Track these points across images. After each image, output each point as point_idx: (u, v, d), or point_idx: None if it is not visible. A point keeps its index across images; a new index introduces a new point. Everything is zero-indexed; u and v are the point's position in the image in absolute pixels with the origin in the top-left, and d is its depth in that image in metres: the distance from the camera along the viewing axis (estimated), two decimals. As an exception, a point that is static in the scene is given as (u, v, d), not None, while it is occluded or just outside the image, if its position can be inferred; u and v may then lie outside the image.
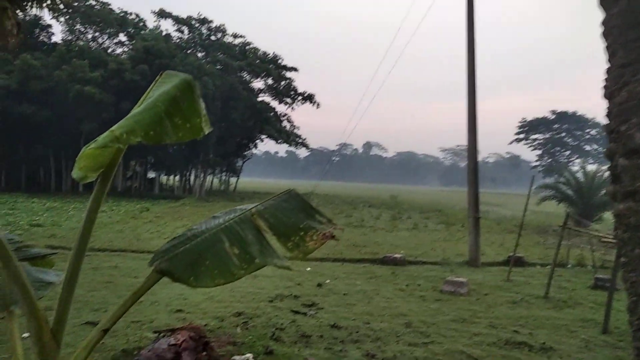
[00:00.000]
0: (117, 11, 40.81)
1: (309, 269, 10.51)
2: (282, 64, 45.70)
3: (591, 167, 28.76)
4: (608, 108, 4.90)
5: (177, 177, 48.89)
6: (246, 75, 44.96)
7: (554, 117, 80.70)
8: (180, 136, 1.63)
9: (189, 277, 1.73)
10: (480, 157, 13.42)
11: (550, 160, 78.20)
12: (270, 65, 44.67)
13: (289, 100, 47.69)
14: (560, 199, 26.55)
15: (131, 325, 5.82)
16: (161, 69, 2.01)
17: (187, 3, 77.66)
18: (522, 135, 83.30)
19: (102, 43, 41.72)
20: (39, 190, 34.92)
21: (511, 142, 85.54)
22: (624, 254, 3.53)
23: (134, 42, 38.97)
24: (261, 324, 6.16)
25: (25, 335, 2.18)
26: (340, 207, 32.27)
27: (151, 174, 46.43)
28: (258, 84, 46.95)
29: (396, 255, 12.05)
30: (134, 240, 13.96)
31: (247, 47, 45.12)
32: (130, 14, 42.48)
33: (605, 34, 5.04)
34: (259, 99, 46.41)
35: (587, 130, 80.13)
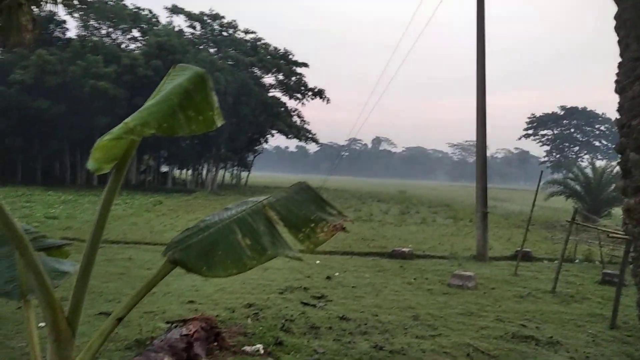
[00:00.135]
0: (131, 7, 41.02)
1: (318, 262, 10.58)
2: (293, 59, 45.72)
3: (600, 163, 28.52)
4: (619, 102, 4.90)
5: (190, 171, 49.22)
6: (257, 71, 45.06)
7: (563, 112, 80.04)
8: (193, 129, 1.69)
9: (202, 267, 1.78)
10: (489, 153, 13.46)
11: (559, 155, 77.61)
12: (281, 61, 44.73)
13: (299, 95, 47.78)
14: (569, 195, 26.37)
15: (144, 315, 5.94)
16: (174, 65, 2.07)
17: (199, -1, 77.72)
18: (531, 131, 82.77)
19: (115, 39, 41.97)
20: (54, 184, 35.34)
21: (520, 138, 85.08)
22: (634, 248, 3.53)
23: (147, 37, 39.19)
24: (271, 315, 6.24)
25: (42, 324, 2.27)
26: (350, 202, 32.31)
27: (164, 168, 46.78)
28: (269, 79, 47.11)
29: (404, 249, 12.09)
30: (147, 233, 14.13)
31: (258, 43, 45.16)
32: (143, 9, 42.68)
33: (618, 28, 5.02)
34: (270, 94, 46.51)
35: (597, 126, 79.38)
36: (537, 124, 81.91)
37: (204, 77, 1.77)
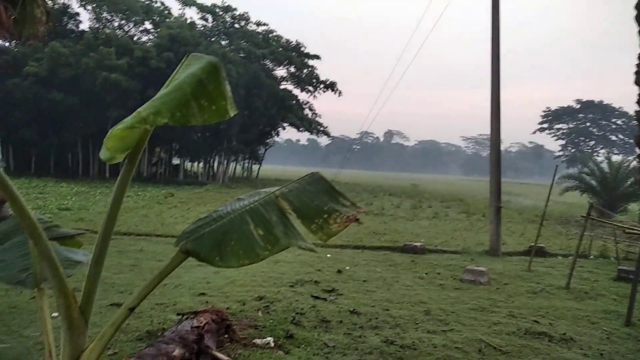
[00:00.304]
0: (143, -1, 41.18)
1: (329, 255, 10.57)
2: (305, 52, 45.59)
3: (616, 158, 28.19)
4: (639, 95, 4.80)
5: (201, 164, 49.42)
6: (269, 64, 44.98)
7: (579, 106, 79.14)
8: (206, 118, 1.66)
9: (214, 257, 1.77)
10: (503, 147, 13.29)
11: (574, 150, 76.82)
12: (293, 53, 44.62)
13: (311, 88, 47.65)
14: (584, 190, 26.09)
15: (155, 307, 5.96)
16: (187, 54, 2.04)
17: (211, -10, 77.67)
18: (545, 125, 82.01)
19: (128, 31, 42.13)
20: (67, 175, 35.69)
21: (534, 132, 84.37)
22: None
23: (159, 30, 39.29)
24: (282, 309, 6.24)
25: (55, 314, 2.28)
26: (361, 195, 32.25)
27: (176, 161, 46.99)
28: (281, 72, 47.04)
29: (416, 244, 12.03)
30: (158, 225, 14.21)
31: (270, 35, 45.06)
32: (156, 2, 42.77)
33: (638, 18, 4.91)
34: (281, 87, 46.45)
35: (613, 120, 78.39)
36: (552, 117, 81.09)
37: (217, 66, 1.74)
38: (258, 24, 45.06)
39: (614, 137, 78.56)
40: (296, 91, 48.24)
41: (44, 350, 2.06)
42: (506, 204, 20.23)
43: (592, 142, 78.74)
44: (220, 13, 43.68)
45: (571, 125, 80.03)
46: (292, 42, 45.32)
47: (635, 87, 4.81)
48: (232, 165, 48.87)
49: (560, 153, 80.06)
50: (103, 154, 1.70)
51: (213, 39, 42.40)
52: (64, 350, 1.85)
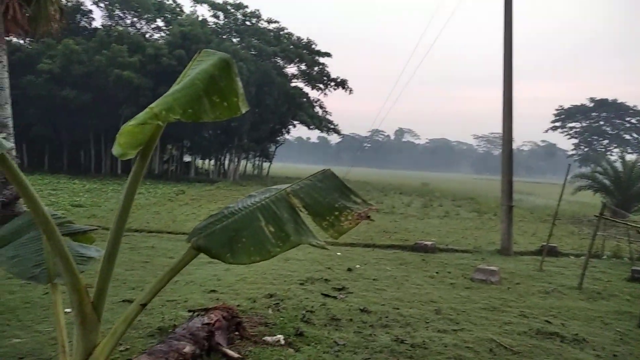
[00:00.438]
0: (155, -3, 41.38)
1: (339, 253, 10.56)
2: (316, 49, 45.51)
3: (630, 157, 27.85)
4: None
5: (212, 161, 49.60)
6: (280, 61, 44.97)
7: (592, 104, 78.28)
8: (217, 114, 1.66)
9: (226, 253, 1.77)
10: (514, 145, 13.16)
11: (587, 149, 76.03)
12: (304, 51, 44.55)
13: (321, 86, 47.53)
14: (597, 189, 25.79)
15: (167, 304, 5.99)
16: (199, 50, 2.04)
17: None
18: (558, 123, 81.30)
19: (140, 28, 42.41)
20: (79, 172, 36.01)
21: (547, 130, 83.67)
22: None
23: (170, 27, 39.46)
24: (292, 306, 6.24)
25: (67, 310, 2.29)
26: (372, 194, 32.18)
27: (187, 158, 47.23)
28: (291, 69, 46.98)
29: (427, 243, 11.98)
30: (170, 222, 14.29)
31: (282, 33, 45.05)
32: (168, -1, 43.03)
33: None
34: (292, 84, 46.43)
35: (627, 119, 77.44)
36: (565, 116, 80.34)
37: (229, 63, 1.74)
38: (269, 21, 45.12)
39: (627, 136, 77.66)
40: (307, 89, 48.20)
41: (58, 346, 2.08)
42: (518, 203, 20.12)
43: (606, 141, 77.91)
44: (232, 10, 43.79)
45: (584, 124, 79.21)
46: (303, 39, 45.27)
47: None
48: (243, 162, 49.00)
49: (573, 152, 79.33)
50: (115, 150, 1.70)
51: (224, 37, 42.51)
52: (77, 346, 1.87)
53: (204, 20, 42.53)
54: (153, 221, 14.20)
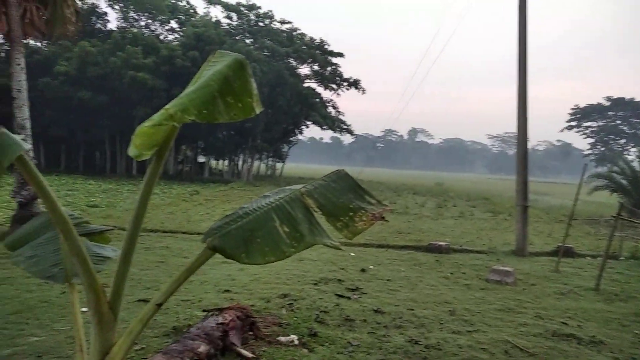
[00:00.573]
0: (169, -2, 41.73)
1: (352, 254, 10.54)
2: (329, 49, 45.50)
3: (648, 156, 27.36)
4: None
5: (226, 162, 49.87)
6: (293, 62, 45.04)
7: (609, 103, 77.23)
8: (232, 115, 1.67)
9: (241, 253, 1.77)
10: (529, 145, 13.01)
11: (603, 148, 75.02)
12: (317, 51, 44.55)
13: (334, 86, 47.50)
14: (614, 189, 25.42)
15: (181, 303, 6.03)
16: (213, 51, 2.05)
17: (236, -11, 78.09)
18: (574, 123, 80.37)
19: (154, 30, 42.80)
20: (95, 173, 36.43)
21: (562, 130, 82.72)
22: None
23: (184, 29, 39.76)
24: (305, 306, 6.24)
25: (84, 309, 2.31)
26: (385, 194, 32.08)
27: (201, 159, 47.56)
28: (304, 70, 47.02)
29: (441, 243, 11.91)
30: (184, 222, 14.39)
31: (294, 33, 45.12)
32: (181, 1, 43.32)
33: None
34: (305, 85, 46.46)
35: (645, 118, 76.23)
36: (581, 115, 79.39)
37: (243, 64, 1.74)
38: (282, 22, 45.21)
39: (645, 135, 76.53)
40: (319, 89, 48.18)
41: (75, 344, 2.10)
42: (533, 203, 19.93)
43: (623, 140, 76.86)
44: (245, 11, 43.95)
45: (601, 123, 78.21)
46: (315, 40, 45.29)
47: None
48: (256, 163, 49.18)
49: (589, 151, 78.40)
50: (131, 151, 1.72)
51: (238, 37, 42.68)
52: (95, 345, 1.89)
53: (217, 22, 42.78)
54: (168, 221, 14.30)
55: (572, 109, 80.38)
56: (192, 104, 1.59)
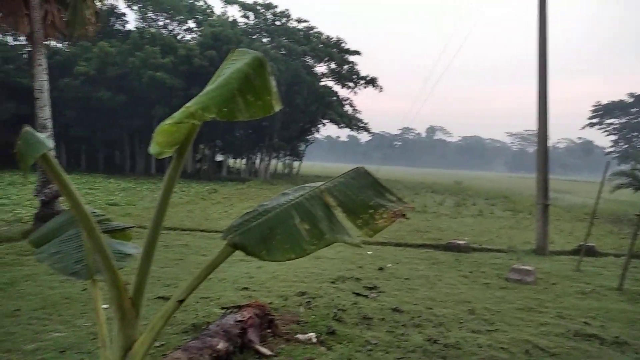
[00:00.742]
0: (187, -2, 42.06)
1: (370, 252, 10.51)
2: (345, 47, 45.42)
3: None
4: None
5: (244, 161, 50.14)
6: (309, 60, 45.07)
7: (632, 100, 75.67)
8: (252, 113, 1.67)
9: (261, 250, 1.78)
10: (550, 142, 12.81)
11: (626, 146, 73.59)
12: (334, 50, 44.52)
13: (351, 84, 47.41)
14: (637, 187, 24.92)
15: (200, 301, 6.08)
16: (232, 49, 2.06)
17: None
18: (596, 120, 78.98)
19: (172, 30, 43.19)
20: (115, 172, 36.92)
21: (584, 127, 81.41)
22: None
23: (202, 28, 40.04)
24: (323, 305, 6.24)
25: (105, 306, 2.34)
26: (402, 193, 31.92)
27: (219, 157, 47.88)
28: (321, 68, 47.02)
29: (460, 242, 11.81)
30: (202, 220, 14.50)
31: (311, 32, 45.13)
32: (199, 0, 43.63)
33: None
34: (322, 83, 46.45)
35: (671, 115, 74.60)
36: (603, 112, 77.98)
37: (263, 61, 1.75)
38: (299, 20, 45.26)
39: (670, 133, 74.95)
40: (336, 87, 48.13)
41: (98, 340, 2.13)
42: (554, 201, 19.62)
43: (647, 138, 75.37)
44: (262, 10, 44.10)
45: (623, 120, 76.73)
46: (332, 38, 45.26)
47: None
48: (273, 161, 49.35)
49: (612, 149, 77.02)
50: (152, 149, 1.73)
51: (255, 37, 42.86)
52: (117, 341, 1.91)
53: (235, 21, 43.01)
54: (186, 219, 14.43)
55: (594, 105, 79.07)
56: (212, 101, 1.60)
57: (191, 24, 43.78)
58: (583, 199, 31.59)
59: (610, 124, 78.20)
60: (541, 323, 5.98)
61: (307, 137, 52.31)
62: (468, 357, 4.76)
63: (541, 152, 12.43)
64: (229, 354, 4.21)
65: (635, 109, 75.85)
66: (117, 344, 1.90)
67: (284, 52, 41.04)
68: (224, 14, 44.03)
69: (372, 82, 46.68)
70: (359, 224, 1.90)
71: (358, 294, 6.93)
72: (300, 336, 4.97)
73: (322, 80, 46.95)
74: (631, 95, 76.09)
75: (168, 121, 1.58)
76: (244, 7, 43.74)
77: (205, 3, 44.24)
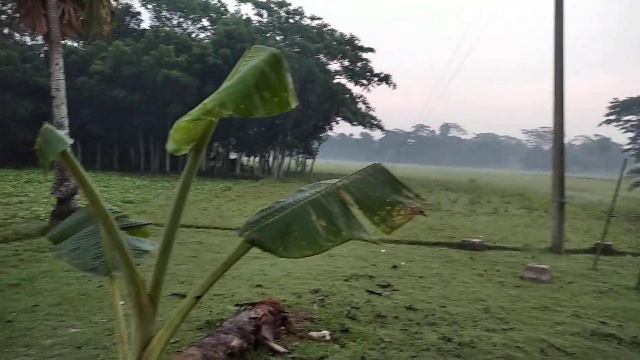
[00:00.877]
0: (201, -3, 42.26)
1: (383, 250, 10.48)
2: (359, 45, 45.26)
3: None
4: None
5: (257, 158, 50.29)
6: (323, 58, 45.01)
7: (651, 96, 74.34)
8: (268, 110, 1.67)
9: (278, 247, 1.78)
10: (566, 140, 12.64)
11: (644, 143, 72.38)
12: (347, 47, 44.40)
13: (364, 81, 47.23)
14: (655, 185, 24.55)
15: (214, 298, 6.11)
16: (242, 53, 2.07)
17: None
18: (613, 117, 77.79)
19: (186, 28, 43.45)
20: (129, 169, 37.28)
21: (600, 124, 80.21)
22: None
23: (216, 26, 40.20)
24: (337, 302, 6.24)
25: (121, 302, 2.37)
26: (416, 190, 31.46)
27: (233, 155, 48.08)
28: (334, 65, 46.95)
29: (474, 240, 11.72)
30: (217, 218, 14.57)
31: (324, 29, 45.08)
32: (213, -1, 43.86)
33: None
34: (335, 80, 46.36)
35: (690, 112, 73.27)
36: (621, 108, 76.81)
37: (279, 58, 1.75)
38: (312, 18, 45.22)
39: (690, 130, 73.65)
40: (350, 85, 48.01)
41: (116, 335, 2.15)
42: (570, 199, 19.41)
43: (666, 135, 74.16)
44: (275, 8, 44.15)
45: (641, 117, 75.58)
46: (346, 35, 45.12)
47: None
48: (286, 159, 49.43)
49: (629, 146, 75.88)
50: (170, 146, 1.75)
51: (268, 35, 42.93)
52: (135, 336, 1.93)
53: (248, 19, 43.10)
54: (201, 217, 14.51)
55: (611, 102, 77.93)
56: (229, 98, 1.60)
57: (205, 22, 44.02)
58: (600, 196, 31.19)
59: (628, 120, 77.01)
60: (557, 322, 5.92)
61: (320, 135, 52.27)
62: (483, 356, 4.73)
63: (557, 149, 12.29)
64: (243, 351, 4.23)
65: (654, 106, 74.70)
66: (135, 340, 1.92)
67: (297, 49, 41.05)
68: (237, 12, 44.21)
69: (385, 79, 46.46)
70: (376, 221, 1.89)
71: (371, 292, 6.91)
72: (313, 333, 4.98)
73: (335, 77, 46.86)
74: (649, 91, 74.90)
75: (185, 118, 1.59)
76: (258, 5, 43.84)
77: (219, 1, 44.47)
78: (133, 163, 40.95)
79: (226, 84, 1.71)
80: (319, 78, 40.67)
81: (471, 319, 5.90)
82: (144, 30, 39.76)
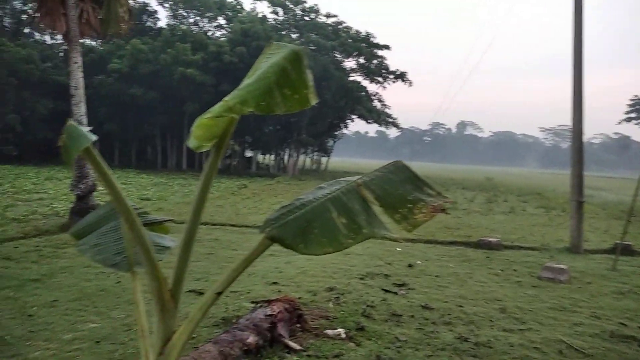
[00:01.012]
0: (216, -5, 42.47)
1: (399, 249, 10.44)
2: (374, 42, 45.08)
3: None
4: None
5: (273, 156, 50.47)
6: (338, 55, 44.93)
7: (673, 94, 73.01)
8: (289, 107, 1.67)
9: (299, 244, 1.78)
10: (585, 138, 12.45)
11: (666, 141, 71.14)
12: (362, 44, 44.25)
13: (380, 79, 47.03)
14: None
15: (230, 295, 6.14)
16: (258, 51, 2.07)
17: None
18: (633, 115, 76.58)
19: (202, 27, 43.72)
20: (147, 167, 37.63)
21: (620, 122, 78.99)
22: None
23: (231, 25, 40.40)
24: (352, 300, 6.23)
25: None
26: (433, 189, 31.50)
27: (249, 153, 48.30)
28: (350, 63, 46.83)
29: (491, 239, 11.62)
30: (233, 215, 14.66)
31: (340, 27, 44.99)
32: (228, -3, 44.04)
33: None
34: (350, 78, 46.26)
35: None
36: (641, 106, 75.73)
37: (300, 55, 1.75)
38: (328, 15, 45.15)
39: None
40: (365, 82, 47.85)
41: (134, 331, 2.18)
42: (589, 198, 19.13)
43: (687, 133, 72.87)
44: (291, 6, 44.17)
45: (662, 115, 74.37)
46: (361, 32, 44.96)
47: None
48: (301, 157, 49.51)
49: (650, 145, 74.72)
50: (191, 143, 1.76)
51: (284, 32, 43.00)
52: (157, 332, 1.95)
53: (264, 17, 43.23)
54: (217, 214, 14.60)
55: (631, 99, 76.79)
56: (250, 95, 1.61)
57: (221, 20, 44.26)
58: (619, 196, 30.68)
59: (649, 118, 75.92)
60: (575, 323, 5.84)
61: (336, 133, 52.25)
62: (499, 356, 4.69)
63: (576, 147, 12.12)
64: (259, 348, 4.25)
65: (675, 104, 73.43)
66: (157, 335, 1.94)
67: (312, 47, 41.04)
68: (253, 10, 44.40)
69: (401, 76, 46.22)
70: (397, 219, 1.88)
71: (387, 291, 6.89)
72: (329, 331, 4.98)
73: (350, 75, 46.74)
74: (671, 89, 73.63)
75: (207, 115, 1.60)
76: (273, 3, 43.90)
77: (235, 0, 44.61)
78: (150, 160, 41.34)
79: (247, 81, 1.72)
80: (334, 76, 40.62)
81: (488, 318, 5.85)
82: (161, 28, 40.11)
